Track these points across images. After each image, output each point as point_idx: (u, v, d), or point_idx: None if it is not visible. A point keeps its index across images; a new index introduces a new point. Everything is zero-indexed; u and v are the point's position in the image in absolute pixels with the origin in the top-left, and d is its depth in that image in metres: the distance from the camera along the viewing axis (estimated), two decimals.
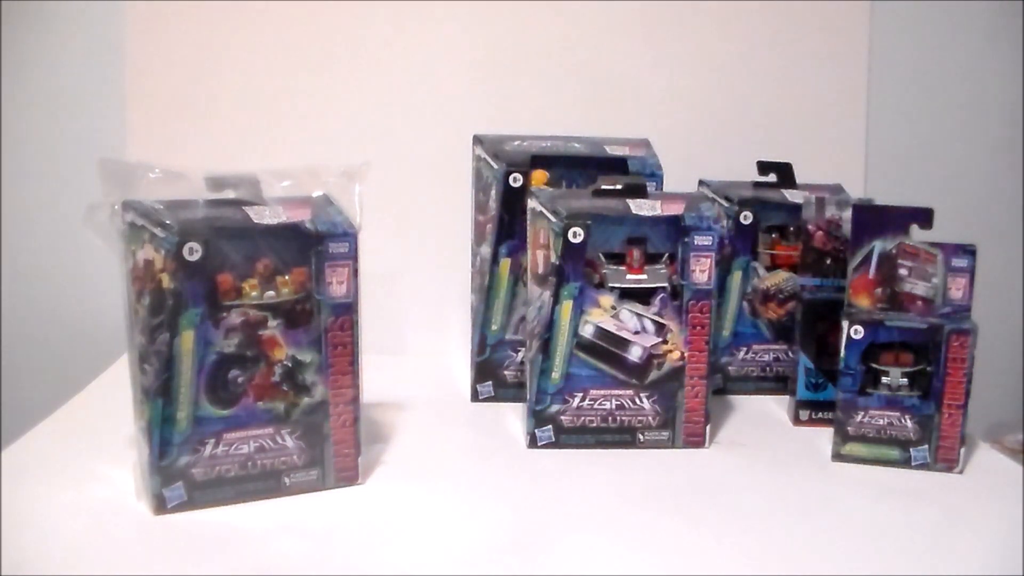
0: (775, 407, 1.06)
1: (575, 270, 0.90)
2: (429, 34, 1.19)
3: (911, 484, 0.87)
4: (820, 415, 1.00)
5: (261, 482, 0.79)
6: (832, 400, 0.94)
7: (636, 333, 0.91)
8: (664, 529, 0.77)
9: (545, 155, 1.00)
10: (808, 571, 0.72)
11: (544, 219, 0.90)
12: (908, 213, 0.92)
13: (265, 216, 0.77)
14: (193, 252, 0.74)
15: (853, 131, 1.26)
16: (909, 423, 0.90)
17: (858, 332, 0.89)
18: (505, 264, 1.02)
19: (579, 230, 0.89)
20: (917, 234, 0.92)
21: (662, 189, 0.98)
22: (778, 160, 1.09)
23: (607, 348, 0.91)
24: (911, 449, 0.90)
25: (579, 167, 1.00)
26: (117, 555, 0.71)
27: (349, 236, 0.80)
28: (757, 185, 1.09)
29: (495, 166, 1.00)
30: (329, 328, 0.80)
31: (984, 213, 1.29)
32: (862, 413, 0.90)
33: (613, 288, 0.91)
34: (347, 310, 0.80)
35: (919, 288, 0.91)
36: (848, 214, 0.96)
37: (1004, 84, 1.31)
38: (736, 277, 1.08)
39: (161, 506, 0.76)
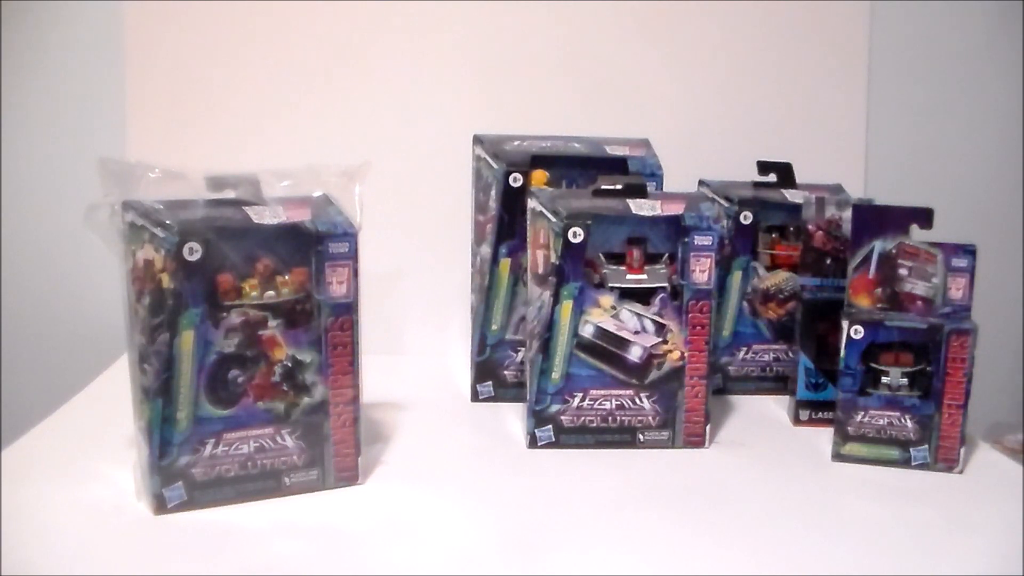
0: (775, 407, 1.06)
1: (575, 270, 0.90)
2: (429, 34, 1.19)
3: (911, 484, 0.87)
4: (820, 415, 1.00)
5: (261, 482, 0.79)
6: (832, 400, 0.94)
7: (636, 333, 0.91)
8: (664, 529, 0.78)
9: (545, 155, 1.00)
10: (808, 571, 0.71)
11: (544, 219, 0.90)
12: (908, 213, 0.92)
13: (265, 216, 0.77)
14: (193, 252, 0.74)
15: (853, 131, 1.26)
16: (909, 423, 0.90)
17: (858, 332, 0.89)
18: (505, 264, 1.02)
19: (579, 230, 0.89)
20: (917, 234, 0.92)
21: (662, 189, 0.98)
22: (778, 160, 1.09)
23: (607, 348, 0.91)
24: (911, 449, 0.90)
25: (579, 167, 1.00)
26: (117, 555, 0.71)
27: (349, 236, 0.80)
28: (757, 185, 1.09)
29: (495, 166, 1.00)
30: (329, 328, 0.80)
31: (984, 213, 1.29)
32: (862, 413, 0.90)
33: (613, 288, 0.91)
34: (347, 310, 0.80)
35: (919, 288, 0.91)
36: (848, 214, 0.96)
37: (1004, 84, 1.31)
38: (736, 277, 1.08)
39: (161, 506, 0.76)
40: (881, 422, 0.90)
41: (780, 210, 1.08)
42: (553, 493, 0.84)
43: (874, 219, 0.93)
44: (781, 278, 1.08)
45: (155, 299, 0.74)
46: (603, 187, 0.91)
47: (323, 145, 1.16)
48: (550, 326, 0.90)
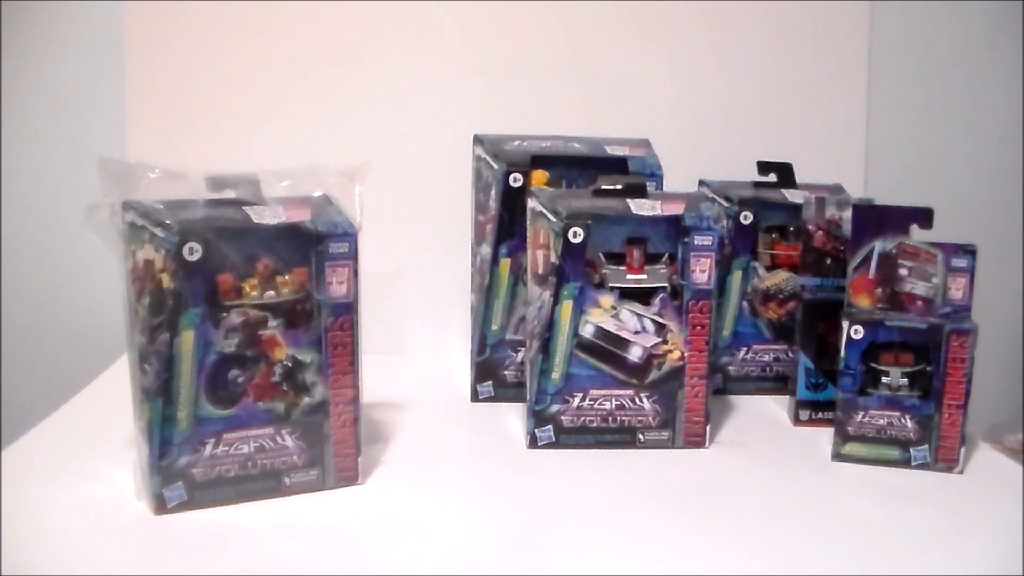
0: (775, 407, 1.06)
1: (575, 270, 0.90)
2: (429, 34, 1.19)
3: (911, 484, 0.87)
4: (820, 415, 1.00)
5: (261, 482, 0.79)
6: (832, 400, 0.94)
7: (636, 333, 0.91)
8: (664, 529, 0.78)
9: (545, 155, 1.00)
10: (808, 571, 0.72)
11: (544, 219, 0.90)
12: (908, 213, 0.92)
13: (265, 216, 0.77)
14: (193, 252, 0.74)
15: (853, 131, 1.26)
16: (909, 423, 0.90)
17: (858, 332, 0.89)
18: (505, 264, 1.02)
19: (579, 230, 0.89)
20: (917, 234, 0.92)
21: (662, 189, 0.98)
22: (778, 160, 1.09)
23: (607, 348, 0.91)
24: (911, 449, 0.90)
25: (579, 167, 1.00)
26: (117, 555, 0.71)
27: (349, 236, 0.80)
28: (757, 185, 1.09)
29: (495, 166, 1.00)
30: (329, 328, 0.80)
31: (984, 213, 1.29)
32: (862, 413, 0.90)
33: (613, 288, 0.91)
34: (347, 310, 0.80)
35: (919, 288, 0.91)
36: (848, 214, 0.96)
37: (1004, 84, 1.31)
38: (736, 277, 1.08)
39: (161, 506, 0.76)
40: (881, 422, 0.90)
41: (780, 210, 1.08)
42: (553, 493, 0.84)
43: (874, 219, 0.93)
44: (781, 278, 1.08)
45: (155, 299, 0.74)
46: (603, 187, 0.91)
47: (323, 145, 1.16)
48: (550, 326, 0.90)
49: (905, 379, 0.90)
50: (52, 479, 0.81)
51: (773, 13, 1.23)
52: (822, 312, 0.99)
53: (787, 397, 1.05)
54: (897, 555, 0.74)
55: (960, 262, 0.90)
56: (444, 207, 1.11)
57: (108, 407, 0.89)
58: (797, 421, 1.01)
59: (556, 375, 0.91)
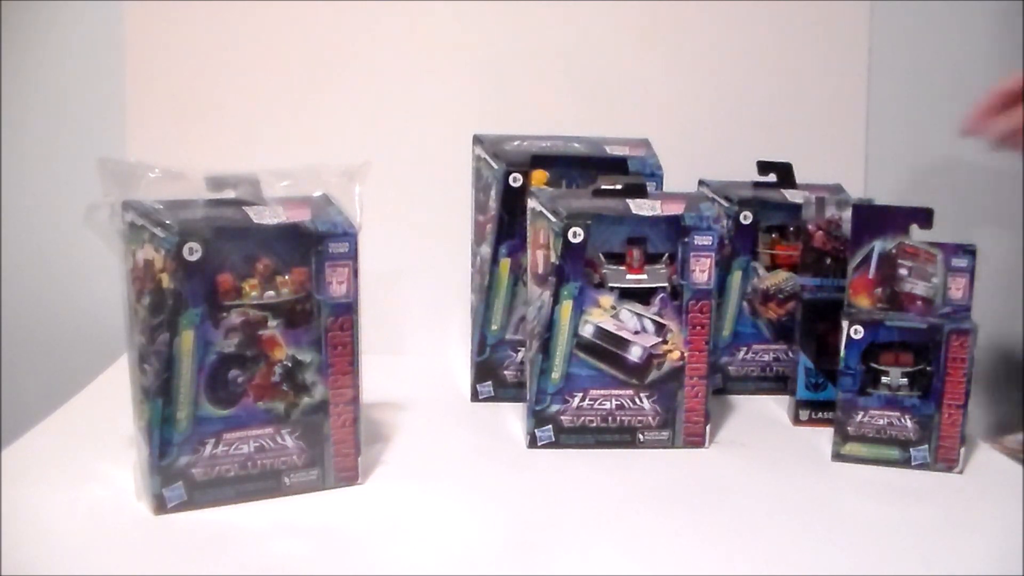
0: (775, 407, 1.06)
1: (575, 270, 0.90)
2: (429, 34, 1.19)
3: (911, 484, 0.87)
4: (820, 415, 1.00)
5: (261, 482, 0.79)
6: (832, 400, 0.94)
7: (636, 333, 0.91)
8: (664, 529, 0.77)
9: (545, 155, 1.00)
10: (808, 571, 0.71)
11: (544, 219, 0.90)
12: (908, 213, 0.92)
13: (265, 216, 0.77)
14: (193, 252, 0.74)
15: (853, 131, 1.26)
16: (909, 423, 0.90)
17: (858, 332, 0.89)
18: (505, 264, 1.02)
19: (579, 230, 0.89)
20: (917, 234, 0.92)
21: (662, 189, 0.98)
22: (778, 160, 1.09)
23: (607, 348, 0.91)
24: (911, 449, 0.90)
25: (579, 167, 1.00)
26: (117, 555, 0.71)
27: (349, 236, 0.80)
28: (757, 185, 1.09)
29: (495, 166, 1.00)
30: (329, 328, 0.80)
31: (984, 213, 1.29)
32: (862, 413, 0.90)
33: (613, 288, 0.91)
34: (347, 310, 0.80)
35: (919, 288, 0.91)
36: (848, 214, 0.96)
37: None
38: (736, 277, 1.08)
39: (161, 506, 0.76)
40: (881, 422, 0.90)
41: (780, 210, 1.08)
42: (553, 493, 0.84)
43: (874, 219, 0.93)
44: (781, 278, 1.08)
45: (155, 299, 0.73)
46: (603, 187, 0.91)
47: (323, 145, 1.16)
48: (550, 326, 0.90)
49: (905, 379, 0.90)
50: (52, 479, 0.81)
51: (773, 13, 1.23)
52: (822, 312, 0.99)
53: (787, 397, 1.05)
54: (897, 555, 0.74)
55: (960, 262, 0.90)
56: (444, 207, 1.11)
57: (108, 407, 0.89)
58: (797, 421, 1.01)
59: (556, 375, 0.91)
